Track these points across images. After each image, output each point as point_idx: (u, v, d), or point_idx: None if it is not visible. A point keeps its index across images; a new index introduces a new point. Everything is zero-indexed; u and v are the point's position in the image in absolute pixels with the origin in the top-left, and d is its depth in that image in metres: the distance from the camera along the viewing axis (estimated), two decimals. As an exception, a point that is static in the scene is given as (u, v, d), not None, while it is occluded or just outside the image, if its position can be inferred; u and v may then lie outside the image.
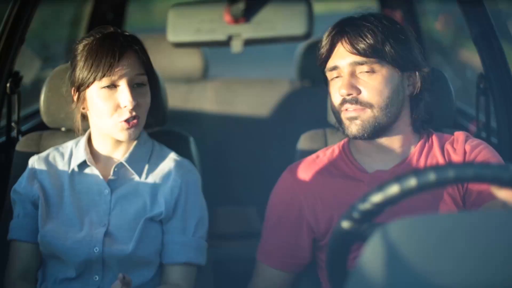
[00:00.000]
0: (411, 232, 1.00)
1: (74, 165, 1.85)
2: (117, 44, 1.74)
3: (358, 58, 1.67)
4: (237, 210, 3.21)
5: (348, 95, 1.67)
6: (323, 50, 1.74)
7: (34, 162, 1.88)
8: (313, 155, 1.86)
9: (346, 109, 1.69)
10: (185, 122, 3.13)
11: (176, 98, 3.10)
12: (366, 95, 1.67)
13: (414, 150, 1.76)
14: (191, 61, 3.31)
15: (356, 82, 1.67)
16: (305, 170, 1.82)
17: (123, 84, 1.73)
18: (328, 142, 2.00)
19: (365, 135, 1.69)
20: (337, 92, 1.70)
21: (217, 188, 2.29)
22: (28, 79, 3.41)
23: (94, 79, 1.72)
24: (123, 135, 1.76)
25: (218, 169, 3.07)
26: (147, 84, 1.79)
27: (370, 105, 1.67)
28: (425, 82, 1.75)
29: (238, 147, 3.22)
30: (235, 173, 3.19)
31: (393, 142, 1.75)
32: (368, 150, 1.77)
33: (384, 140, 1.74)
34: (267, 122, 3.24)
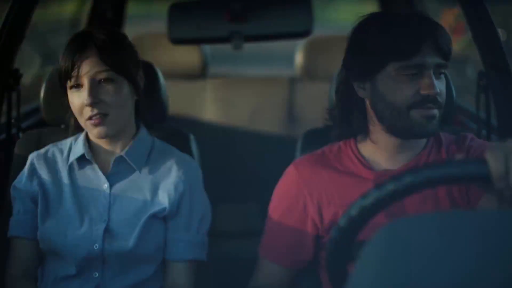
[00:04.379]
0: (411, 232, 0.99)
1: (72, 159, 1.84)
2: (76, 45, 1.74)
3: (441, 61, 1.67)
4: (238, 208, 3.21)
5: (433, 94, 1.65)
6: (406, 42, 1.65)
7: (34, 158, 1.87)
8: (319, 151, 1.85)
9: (427, 108, 1.66)
10: (185, 120, 3.14)
11: (176, 96, 3.10)
12: (442, 96, 1.68)
13: (423, 149, 1.77)
14: (190, 59, 3.32)
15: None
16: (311, 166, 1.81)
17: (85, 83, 1.73)
18: (329, 139, 1.99)
19: (435, 133, 1.70)
20: (409, 89, 1.66)
21: (217, 185, 2.29)
22: (28, 77, 3.41)
23: (65, 80, 1.75)
24: (92, 134, 1.77)
25: (218, 166, 3.07)
26: (118, 80, 1.76)
27: (442, 106, 1.69)
28: None
29: (238, 144, 3.22)
30: (235, 171, 3.19)
31: (416, 141, 1.75)
32: (390, 149, 1.75)
33: (412, 140, 1.74)
34: (267, 119, 3.24)
